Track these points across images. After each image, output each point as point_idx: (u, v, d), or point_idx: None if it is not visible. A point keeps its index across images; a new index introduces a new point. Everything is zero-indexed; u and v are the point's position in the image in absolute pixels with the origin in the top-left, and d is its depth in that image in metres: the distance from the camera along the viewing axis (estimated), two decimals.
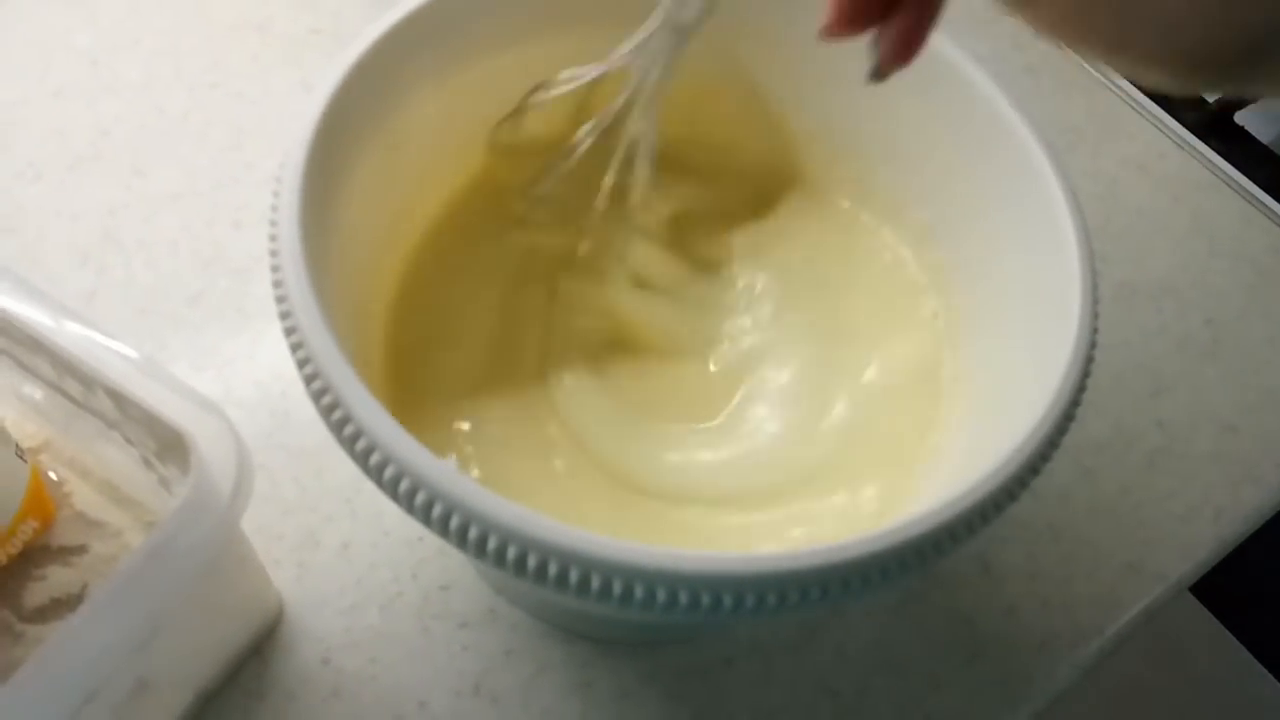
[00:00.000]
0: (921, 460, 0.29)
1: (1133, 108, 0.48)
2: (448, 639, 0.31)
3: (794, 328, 0.32)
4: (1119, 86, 0.49)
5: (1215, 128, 0.48)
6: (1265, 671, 1.06)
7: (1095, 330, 0.25)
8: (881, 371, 0.31)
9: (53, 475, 0.32)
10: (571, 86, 0.29)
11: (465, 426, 0.29)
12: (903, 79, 0.27)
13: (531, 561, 0.19)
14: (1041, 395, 0.23)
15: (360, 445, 0.20)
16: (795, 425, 0.30)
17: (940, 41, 0.28)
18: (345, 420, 0.20)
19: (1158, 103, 0.49)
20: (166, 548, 0.22)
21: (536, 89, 0.30)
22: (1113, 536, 0.36)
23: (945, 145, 0.30)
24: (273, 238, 0.23)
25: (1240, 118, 0.49)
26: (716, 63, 0.32)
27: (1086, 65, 0.50)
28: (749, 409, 0.31)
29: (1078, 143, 0.47)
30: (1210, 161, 0.47)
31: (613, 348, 0.32)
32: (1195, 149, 0.47)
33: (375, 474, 0.20)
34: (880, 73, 0.19)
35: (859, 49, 0.23)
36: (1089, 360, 0.24)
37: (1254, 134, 0.49)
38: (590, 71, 0.29)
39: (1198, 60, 0.14)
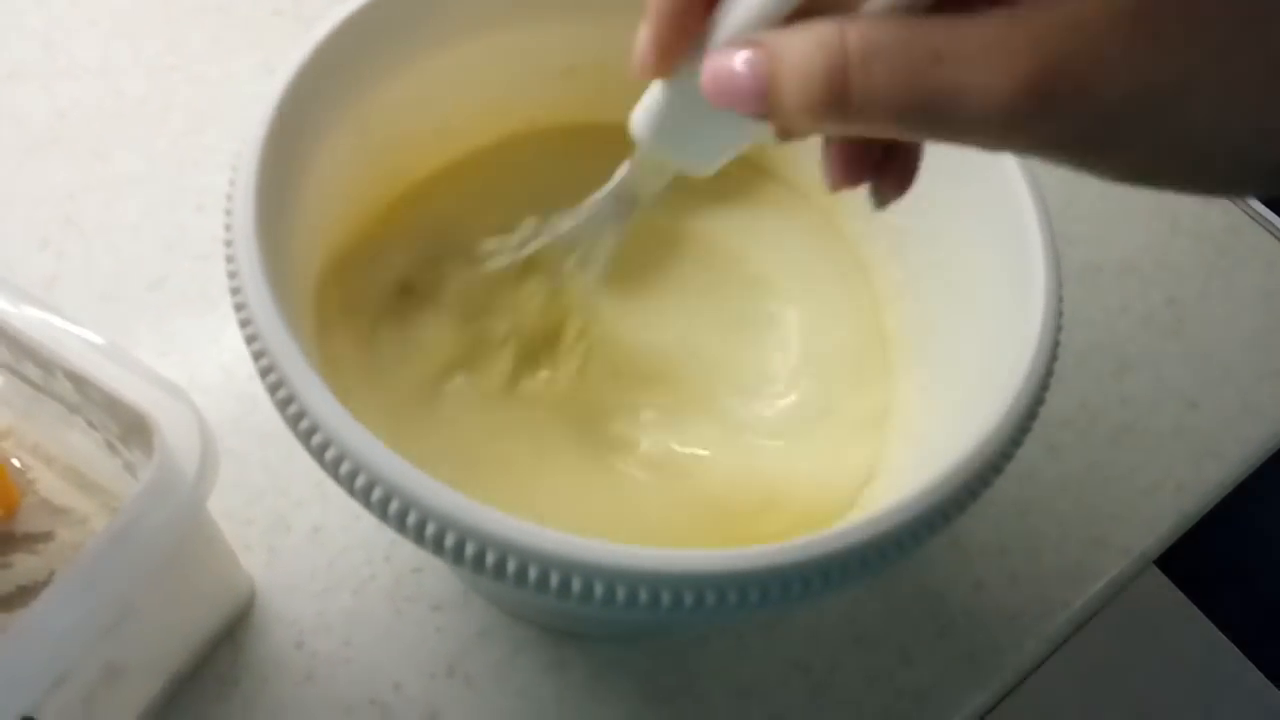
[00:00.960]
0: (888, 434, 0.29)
1: None
2: (421, 621, 0.31)
3: (755, 311, 0.32)
4: None
5: None
6: (1233, 646, 1.09)
7: (1059, 329, 0.25)
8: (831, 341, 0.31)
9: (16, 462, 0.31)
10: (519, 255, 0.29)
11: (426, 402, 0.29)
12: None
13: (490, 558, 0.19)
14: (1005, 389, 0.23)
15: (315, 438, 0.20)
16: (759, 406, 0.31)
17: None
18: (300, 414, 0.21)
19: None
20: (131, 530, 0.21)
21: (487, 252, 0.29)
22: (1079, 511, 0.36)
23: None
24: (228, 227, 0.23)
25: None
26: None
27: None
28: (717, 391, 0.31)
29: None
30: None
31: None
32: None
33: (331, 467, 0.20)
34: (883, 204, 0.20)
35: None
36: (1052, 358, 0.24)
37: None
38: (540, 238, 0.28)
39: (1273, 180, 0.15)
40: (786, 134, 0.19)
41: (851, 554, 0.20)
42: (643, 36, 0.18)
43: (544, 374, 0.30)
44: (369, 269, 0.30)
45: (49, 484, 0.31)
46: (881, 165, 0.20)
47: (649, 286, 0.33)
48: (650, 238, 0.32)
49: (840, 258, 0.33)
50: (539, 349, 0.30)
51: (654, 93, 0.20)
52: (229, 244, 0.22)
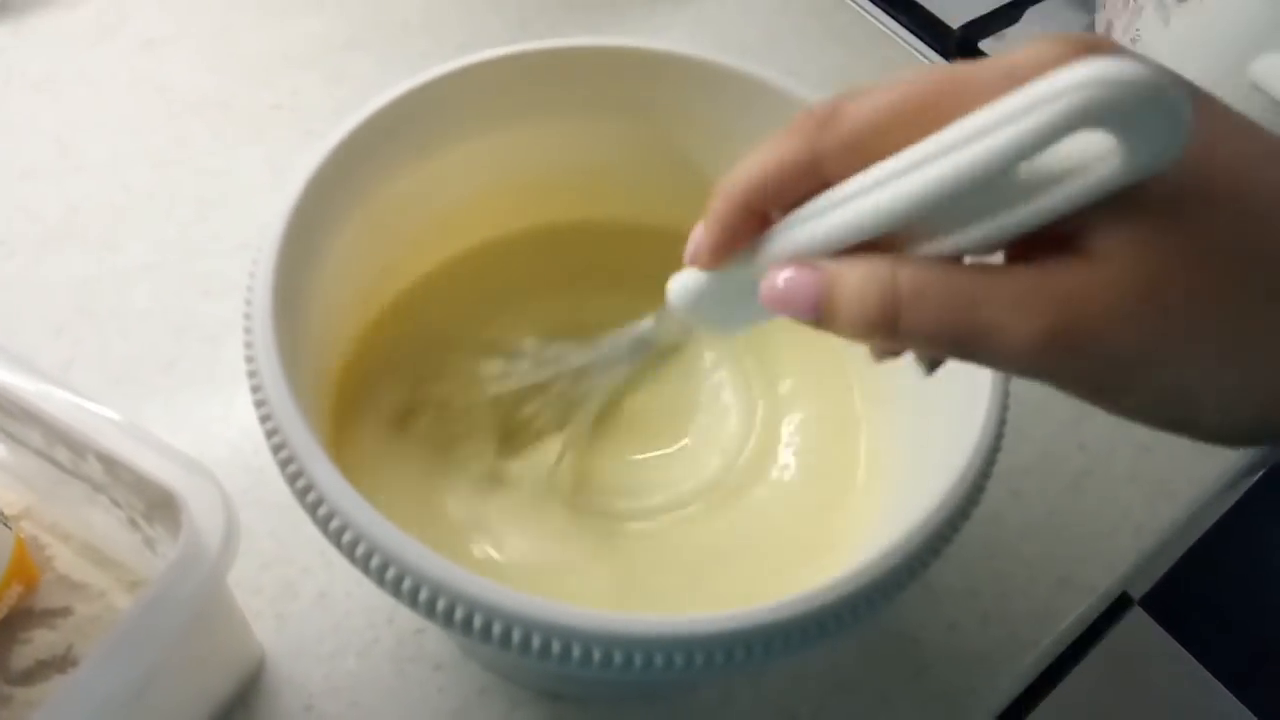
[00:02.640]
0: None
1: None
2: (423, 681, 0.33)
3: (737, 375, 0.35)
4: None
5: None
6: (1221, 686, 1.10)
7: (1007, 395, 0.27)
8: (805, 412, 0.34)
9: (35, 539, 0.33)
10: (524, 382, 0.31)
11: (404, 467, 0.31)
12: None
13: (470, 620, 0.21)
14: (955, 461, 0.25)
15: (321, 511, 0.22)
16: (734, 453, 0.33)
17: None
18: (309, 488, 0.22)
19: None
20: (161, 602, 0.23)
21: (491, 375, 0.32)
22: (1044, 553, 0.38)
23: None
24: (247, 315, 0.25)
25: None
26: (659, 150, 0.35)
27: None
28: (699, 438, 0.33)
29: None
30: None
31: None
32: None
33: (334, 537, 0.22)
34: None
35: None
36: (1001, 424, 0.26)
37: None
38: (548, 367, 0.31)
39: (1257, 437, 0.18)
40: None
41: (825, 612, 0.22)
42: (700, 234, 0.21)
43: (529, 459, 0.32)
44: (377, 370, 0.32)
45: (66, 560, 0.33)
46: None
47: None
48: None
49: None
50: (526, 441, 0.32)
51: (696, 275, 0.22)
52: (248, 331, 0.25)
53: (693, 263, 0.22)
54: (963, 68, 0.17)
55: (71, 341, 0.39)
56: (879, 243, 0.18)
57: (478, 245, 0.35)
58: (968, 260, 0.18)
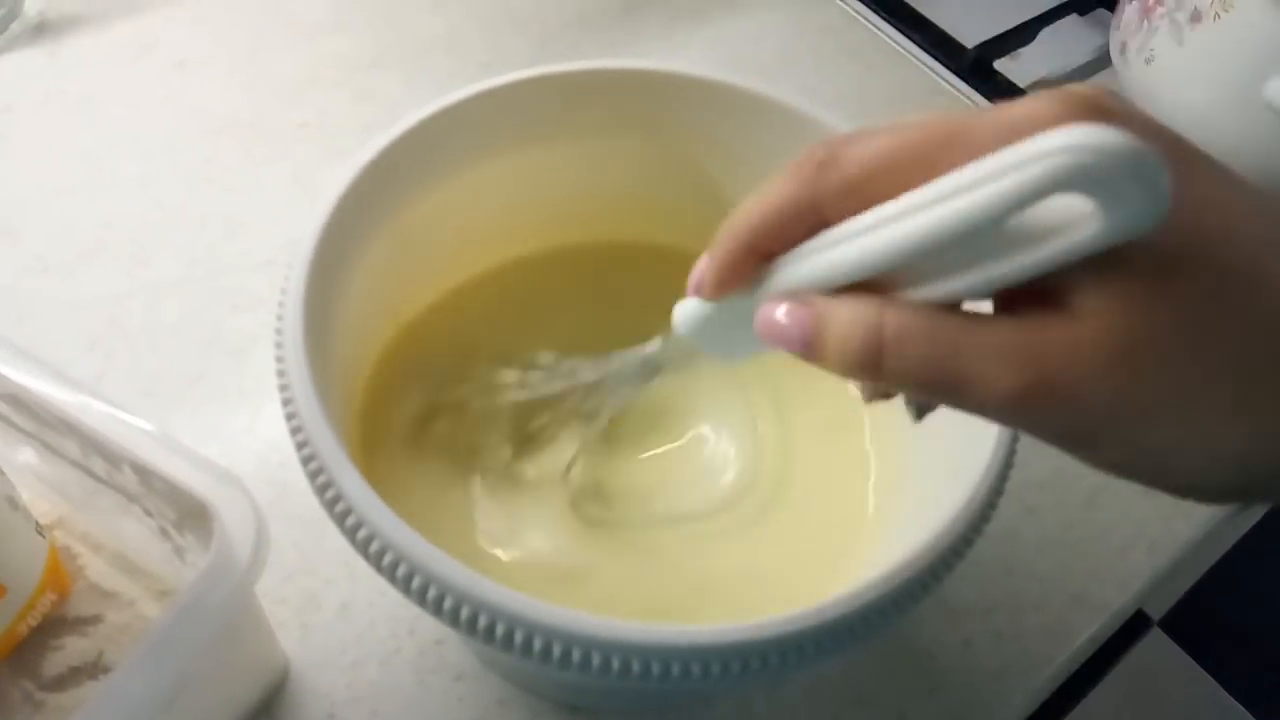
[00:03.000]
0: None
1: None
2: (444, 691, 0.33)
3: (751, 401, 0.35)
4: None
5: None
6: (1241, 707, 1.09)
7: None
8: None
9: (68, 549, 0.34)
10: (537, 393, 0.32)
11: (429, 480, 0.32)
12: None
13: (493, 629, 0.21)
14: (968, 477, 0.26)
15: (349, 521, 0.23)
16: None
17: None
18: (337, 499, 0.23)
19: None
20: (192, 610, 0.24)
21: (505, 384, 0.33)
22: (1059, 570, 0.39)
23: None
24: (278, 330, 0.26)
25: None
26: (677, 169, 0.35)
27: None
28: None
29: None
30: None
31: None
32: None
33: (361, 546, 0.23)
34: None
35: None
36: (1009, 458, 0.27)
37: None
38: (561, 380, 0.32)
39: (1228, 497, 0.18)
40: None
41: (840, 624, 0.22)
42: (704, 266, 0.22)
43: (542, 467, 0.33)
44: (400, 382, 0.33)
45: (98, 570, 0.34)
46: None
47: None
48: None
49: None
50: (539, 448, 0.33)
51: (701, 304, 0.23)
52: (279, 345, 0.25)
53: (696, 294, 0.23)
54: (962, 118, 0.18)
55: (104, 354, 0.40)
56: (872, 284, 0.19)
57: (500, 262, 0.36)
58: (965, 306, 0.19)
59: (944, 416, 0.29)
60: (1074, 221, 0.16)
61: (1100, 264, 0.16)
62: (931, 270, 0.18)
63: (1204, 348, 0.17)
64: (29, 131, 0.47)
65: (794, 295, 0.20)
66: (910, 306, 0.18)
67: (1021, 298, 0.18)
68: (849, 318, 0.18)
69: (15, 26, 0.50)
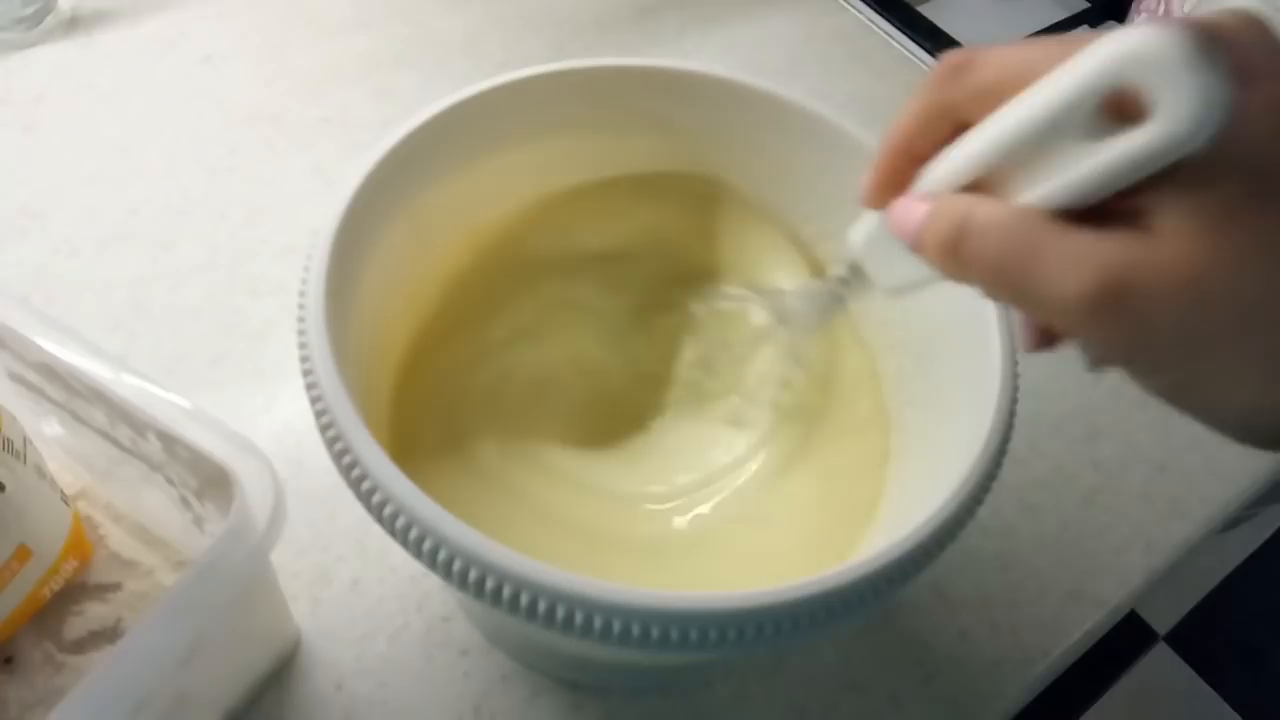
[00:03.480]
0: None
1: None
2: (450, 665, 0.34)
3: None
4: None
5: None
6: None
7: (1016, 390, 0.28)
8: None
9: (90, 519, 0.35)
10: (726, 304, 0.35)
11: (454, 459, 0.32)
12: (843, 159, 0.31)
13: (518, 598, 0.22)
14: (966, 453, 0.26)
15: (375, 497, 0.23)
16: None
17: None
18: (363, 477, 0.24)
19: None
20: (210, 571, 0.25)
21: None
22: (1055, 566, 0.39)
23: None
24: (301, 305, 0.26)
25: None
26: (688, 165, 0.37)
27: None
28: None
29: None
30: None
31: (599, 405, 0.36)
32: None
33: (388, 522, 0.23)
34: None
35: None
36: (1009, 426, 0.27)
37: None
38: (754, 298, 0.34)
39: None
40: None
41: (830, 597, 0.23)
42: (867, 177, 0.23)
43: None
44: (433, 376, 0.34)
45: (118, 540, 0.35)
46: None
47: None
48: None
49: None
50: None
51: (869, 216, 0.25)
52: (302, 320, 0.26)
53: (862, 203, 0.24)
54: (1076, 36, 0.19)
55: (127, 335, 0.41)
56: (986, 186, 0.20)
57: (515, 251, 0.37)
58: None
59: (950, 394, 0.29)
60: (1142, 127, 0.17)
61: (1183, 184, 0.17)
62: (1023, 173, 0.19)
63: (1275, 283, 0.16)
64: (60, 121, 0.48)
65: (928, 194, 0.21)
66: (1001, 203, 0.19)
67: (1109, 215, 0.18)
68: (947, 207, 0.20)
69: (49, 21, 0.52)
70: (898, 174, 0.22)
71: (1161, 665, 1.11)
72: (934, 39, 0.60)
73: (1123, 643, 1.12)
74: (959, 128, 0.20)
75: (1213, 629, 1.14)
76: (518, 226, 0.37)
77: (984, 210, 0.19)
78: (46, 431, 0.33)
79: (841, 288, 0.28)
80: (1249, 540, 1.21)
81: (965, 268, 0.20)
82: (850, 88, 0.57)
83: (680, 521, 0.33)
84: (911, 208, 0.21)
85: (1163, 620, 1.14)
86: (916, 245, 0.21)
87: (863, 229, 0.25)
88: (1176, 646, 1.13)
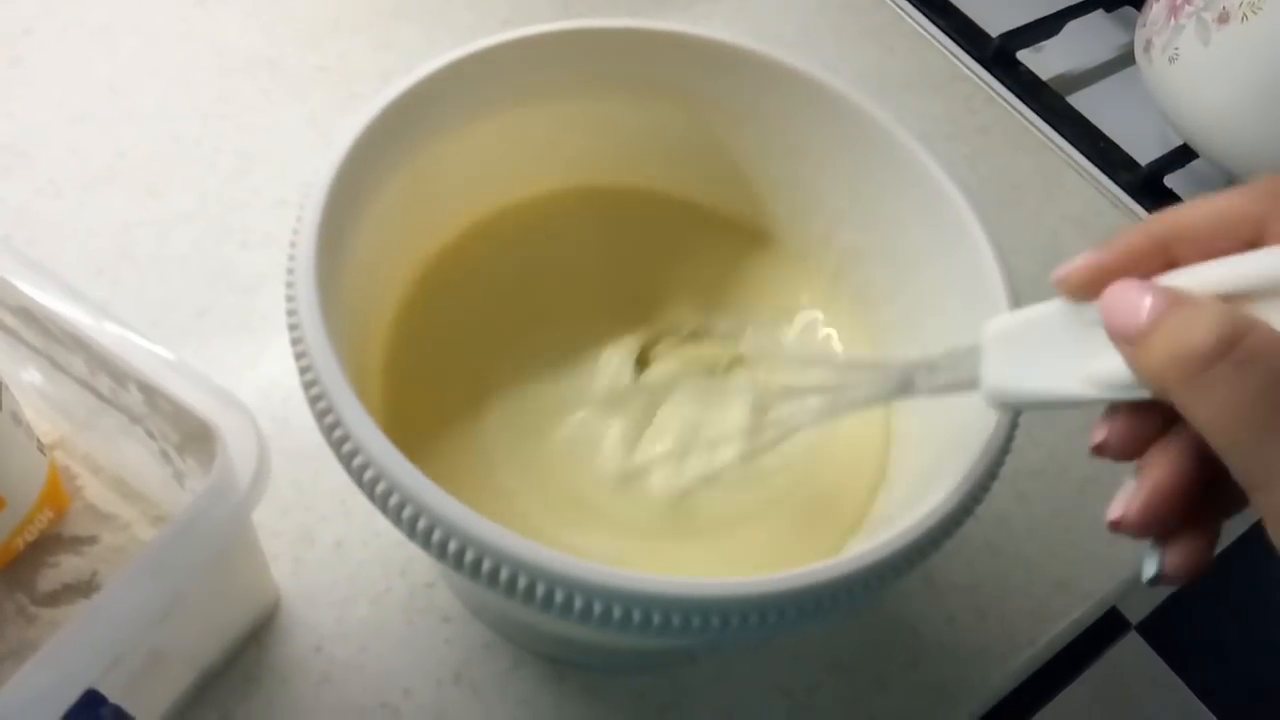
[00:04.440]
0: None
1: (1074, 168, 0.53)
2: (431, 632, 0.34)
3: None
4: (1061, 149, 0.54)
5: (1147, 189, 0.52)
6: (1208, 711, 1.10)
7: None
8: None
9: (67, 469, 0.34)
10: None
11: (451, 438, 0.32)
12: (855, 154, 0.30)
13: (497, 572, 0.21)
14: (964, 455, 0.25)
15: (356, 460, 0.23)
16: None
17: (888, 121, 0.32)
18: (344, 438, 0.23)
19: (1096, 165, 0.53)
20: (191, 526, 0.24)
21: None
22: (1045, 556, 0.39)
23: (883, 203, 0.33)
24: (291, 257, 0.25)
25: (1170, 180, 0.53)
26: (694, 131, 0.35)
27: (1033, 128, 0.54)
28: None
29: (1023, 198, 0.51)
30: (1142, 219, 0.51)
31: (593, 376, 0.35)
32: (1129, 207, 0.52)
33: (367, 486, 0.22)
34: (1163, 580, 0.20)
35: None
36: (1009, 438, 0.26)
37: (1182, 196, 0.53)
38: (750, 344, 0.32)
39: None
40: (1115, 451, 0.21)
41: (820, 590, 0.22)
42: (1086, 256, 0.20)
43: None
44: (428, 340, 0.33)
45: (96, 492, 0.34)
46: (1178, 529, 0.20)
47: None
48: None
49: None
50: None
51: (1033, 311, 0.22)
52: (290, 274, 0.25)
53: (1061, 281, 0.21)
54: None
55: (110, 281, 0.40)
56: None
57: (515, 212, 0.36)
58: None
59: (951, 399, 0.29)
60: None
61: None
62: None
63: None
64: (48, 56, 0.47)
65: (1176, 290, 0.18)
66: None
67: None
68: (1218, 311, 0.17)
69: None
70: (1136, 263, 0.20)
71: (1132, 654, 1.13)
72: (946, 15, 0.58)
73: (1096, 630, 1.13)
74: (1244, 246, 0.19)
75: (1183, 621, 1.15)
76: (520, 189, 0.36)
77: (1265, 331, 0.16)
78: (24, 378, 0.32)
79: (919, 376, 0.25)
80: (1223, 536, 1.22)
81: (1204, 390, 0.17)
82: (861, 63, 0.55)
83: (673, 503, 0.32)
84: (1156, 298, 0.18)
85: (1135, 610, 1.15)
86: (1136, 339, 0.18)
87: (1011, 320, 0.23)
88: (1147, 636, 1.14)
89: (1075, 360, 0.21)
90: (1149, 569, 0.20)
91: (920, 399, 0.26)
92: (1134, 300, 0.18)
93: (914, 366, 0.26)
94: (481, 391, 0.33)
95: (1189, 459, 0.20)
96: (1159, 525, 0.20)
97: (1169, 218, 0.20)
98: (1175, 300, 0.18)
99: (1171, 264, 0.20)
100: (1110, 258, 0.20)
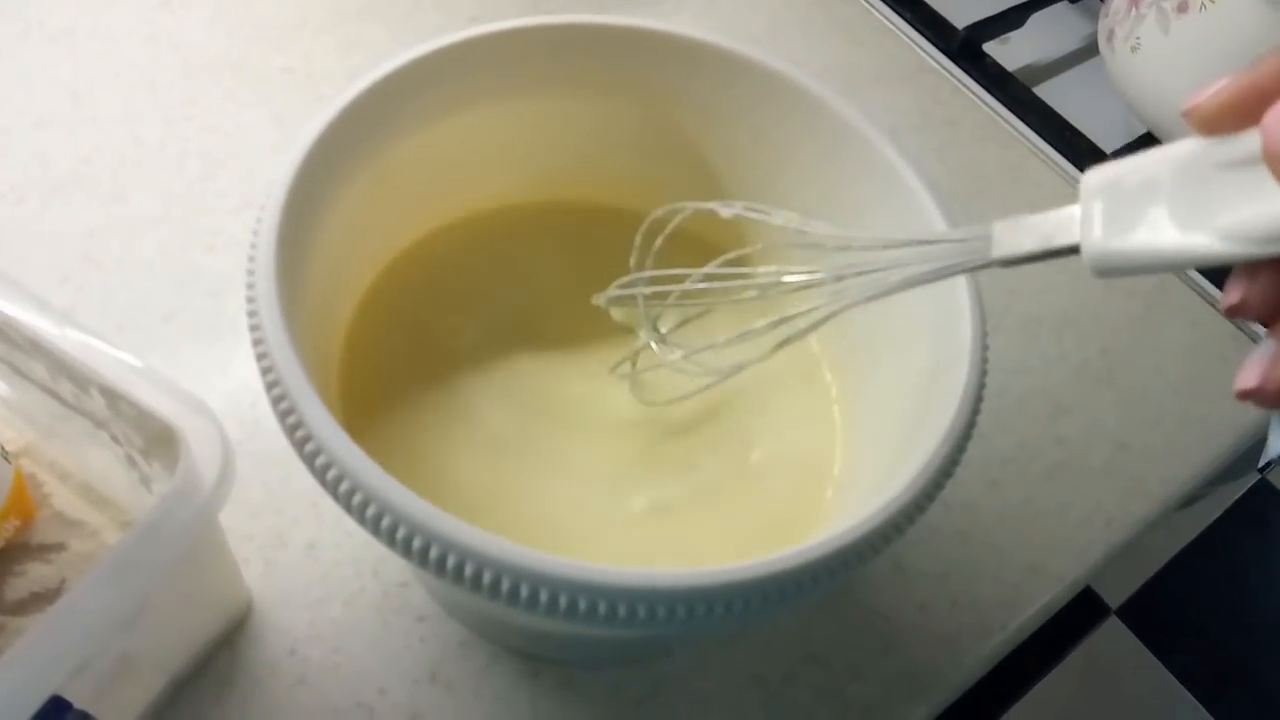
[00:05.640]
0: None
1: (1040, 158, 0.53)
2: (406, 631, 0.34)
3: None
4: (1028, 139, 0.54)
5: None
6: (1191, 697, 1.11)
7: (985, 373, 0.27)
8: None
9: (34, 477, 0.34)
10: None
11: (406, 431, 0.31)
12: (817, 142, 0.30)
13: (462, 568, 0.21)
14: (930, 440, 0.25)
15: (319, 459, 0.23)
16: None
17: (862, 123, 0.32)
18: (307, 438, 0.23)
19: (1062, 154, 0.54)
20: (155, 530, 0.24)
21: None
22: (1016, 541, 0.40)
23: (850, 201, 0.33)
24: (251, 259, 0.25)
25: None
26: (660, 131, 0.36)
27: (1000, 119, 0.55)
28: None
29: (990, 188, 0.52)
30: None
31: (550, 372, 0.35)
32: None
33: (331, 485, 0.23)
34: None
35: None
36: (974, 413, 0.26)
37: None
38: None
39: None
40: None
41: (787, 577, 0.22)
42: (1223, 81, 0.17)
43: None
44: (383, 330, 0.33)
45: (63, 499, 0.34)
46: None
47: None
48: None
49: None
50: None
51: (1149, 154, 0.19)
52: (251, 275, 0.25)
53: (1193, 111, 0.18)
54: None
55: (76, 288, 0.40)
56: None
57: (479, 209, 0.36)
58: None
59: (913, 372, 0.29)
60: None
61: None
62: None
63: None
64: (8, 62, 0.46)
65: None
66: None
67: None
68: None
69: None
70: (1264, 98, 0.16)
71: (1113, 637, 1.14)
72: (912, 8, 0.59)
73: (1076, 616, 1.15)
74: None
75: (1162, 604, 1.16)
76: (484, 187, 0.36)
77: None
78: None
79: (999, 244, 0.21)
80: (1200, 519, 1.23)
81: None
82: (830, 56, 0.56)
83: (639, 498, 0.32)
84: None
85: (1115, 594, 1.17)
86: None
87: (1120, 167, 0.19)
88: (1127, 620, 1.15)
89: (1210, 210, 0.17)
90: (1275, 446, 0.18)
91: (995, 268, 0.22)
92: None
93: (988, 234, 0.22)
94: (446, 392, 0.33)
95: None
96: None
97: None
98: None
99: None
100: (1260, 79, 0.17)
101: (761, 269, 0.28)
